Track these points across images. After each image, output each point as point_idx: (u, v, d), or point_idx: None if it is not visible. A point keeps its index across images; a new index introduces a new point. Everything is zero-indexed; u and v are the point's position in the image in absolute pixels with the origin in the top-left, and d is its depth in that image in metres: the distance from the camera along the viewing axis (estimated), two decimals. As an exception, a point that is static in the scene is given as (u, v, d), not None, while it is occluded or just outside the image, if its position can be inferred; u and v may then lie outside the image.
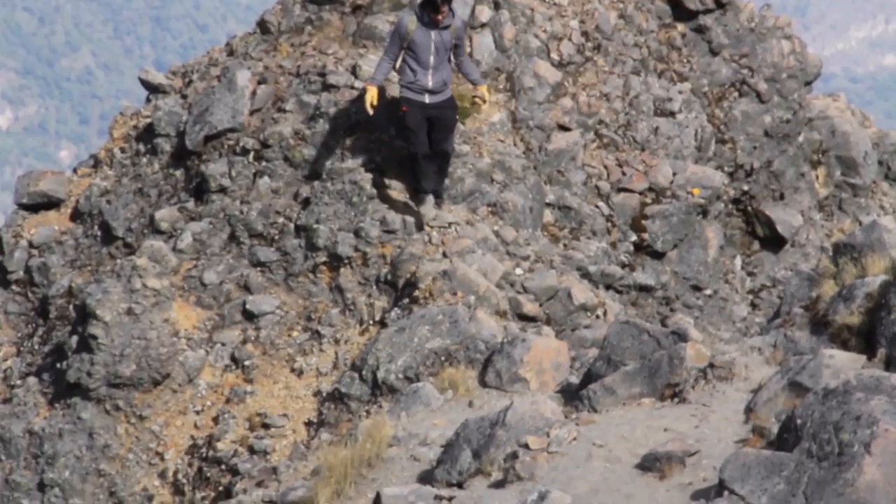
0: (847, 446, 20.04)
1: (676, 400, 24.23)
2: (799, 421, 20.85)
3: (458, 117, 27.63)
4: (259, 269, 28.16)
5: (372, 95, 26.58)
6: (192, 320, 28.28)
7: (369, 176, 27.76)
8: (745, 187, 32.71)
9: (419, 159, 26.93)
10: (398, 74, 26.87)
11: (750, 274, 31.89)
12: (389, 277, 27.31)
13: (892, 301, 21.89)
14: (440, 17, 26.40)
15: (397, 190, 27.87)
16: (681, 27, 33.11)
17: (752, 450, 21.29)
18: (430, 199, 27.04)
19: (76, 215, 30.60)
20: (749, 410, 23.37)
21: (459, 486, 23.50)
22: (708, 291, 30.25)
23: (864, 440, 19.96)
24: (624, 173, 30.26)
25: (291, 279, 27.84)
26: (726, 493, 20.73)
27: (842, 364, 22.72)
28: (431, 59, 26.87)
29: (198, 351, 27.57)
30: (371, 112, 26.67)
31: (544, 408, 23.99)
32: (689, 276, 29.92)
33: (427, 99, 26.94)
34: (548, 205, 29.47)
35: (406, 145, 27.16)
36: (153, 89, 31.37)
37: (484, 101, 27.83)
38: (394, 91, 27.11)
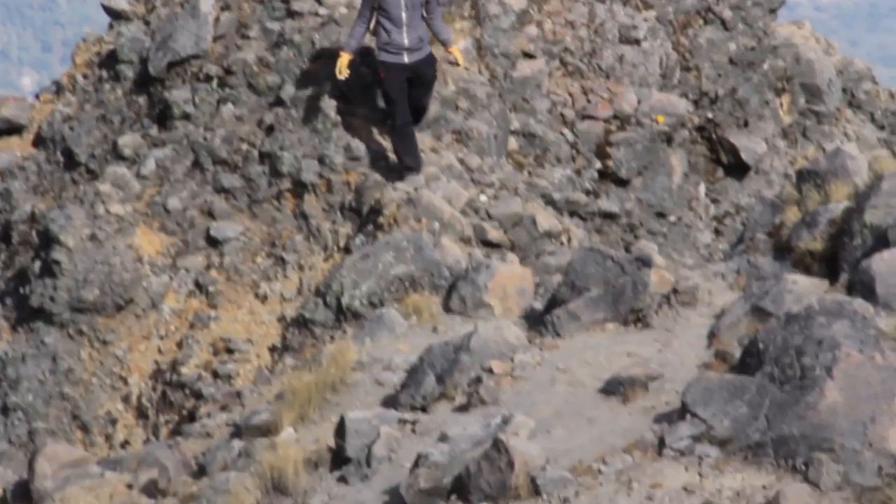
0: (809, 370, 20.13)
1: (640, 325, 24.29)
2: (761, 345, 20.92)
3: (436, 74, 27.28)
4: (223, 195, 28.08)
5: (342, 62, 26.19)
6: (155, 246, 28.19)
7: (333, 103, 27.64)
8: (710, 115, 32.66)
9: (403, 132, 26.36)
10: (374, 37, 26.49)
11: (714, 201, 31.92)
12: (354, 204, 27.26)
13: (855, 227, 21.97)
14: None
15: (362, 118, 27.75)
16: (646, -46, 32.94)
17: (715, 374, 21.36)
18: (414, 176, 26.52)
19: (38, 141, 30.44)
20: (712, 335, 23.45)
21: (423, 410, 23.56)
22: (672, 218, 30.30)
23: (826, 364, 20.05)
24: (589, 101, 30.18)
25: (255, 206, 27.79)
26: (689, 416, 20.81)
27: (804, 289, 22.82)
28: (403, 15, 26.37)
29: (161, 276, 27.52)
30: (341, 77, 26.30)
31: (508, 333, 24.02)
32: (653, 203, 29.94)
33: (406, 58, 26.54)
34: (512, 132, 29.41)
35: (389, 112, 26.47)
36: (116, 16, 31.11)
37: (458, 64, 27.53)
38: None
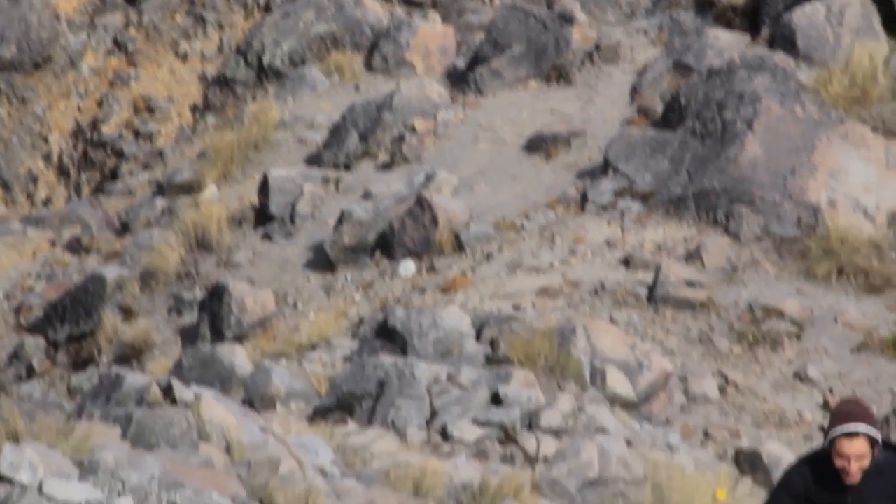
0: (730, 124, 20.12)
1: (562, 82, 24.19)
2: (683, 100, 20.88)
3: None
4: (140, -49, 27.28)
5: None
6: (72, 3, 27.51)
7: None
8: None
9: None
10: None
11: (636, -43, 31.31)
12: (274, -40, 26.56)
13: (778, -20, 21.51)
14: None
15: None
16: None
17: (637, 129, 21.34)
18: None
19: None
20: (634, 91, 23.38)
21: (346, 168, 23.46)
22: (594, -26, 29.68)
23: (747, 118, 20.05)
24: None
25: (174, -38, 27.00)
26: (611, 171, 20.81)
27: (726, 44, 22.71)
28: None
29: (79, 35, 26.83)
30: None
31: (430, 91, 23.85)
32: (575, -41, 29.30)
33: None
34: None
35: None
36: None
37: None
38: None
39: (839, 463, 8.00)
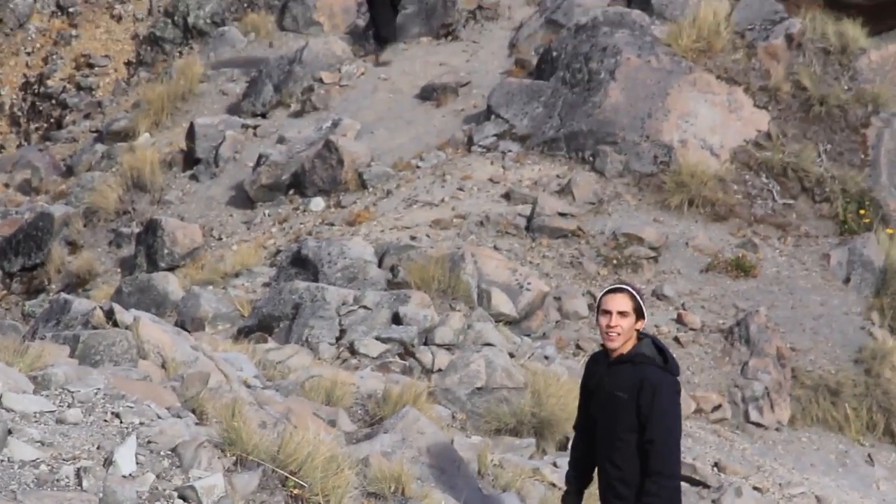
0: (595, 74, 20.15)
1: (450, 38, 24.09)
2: (555, 53, 20.88)
3: None
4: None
5: None
6: (18, -28, 26.95)
7: None
8: None
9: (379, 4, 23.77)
10: None
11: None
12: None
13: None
14: None
15: None
16: None
17: (515, 79, 21.31)
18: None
19: None
20: (512, 46, 23.33)
21: (263, 116, 23.27)
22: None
23: (610, 68, 20.09)
24: None
25: (107, -66, 26.48)
26: (493, 117, 20.79)
27: (591, 3, 22.69)
28: None
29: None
30: None
31: (336, 47, 23.66)
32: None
33: None
34: None
35: None
36: None
37: None
38: None
39: (603, 321, 7.84)
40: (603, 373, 7.97)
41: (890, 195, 18.63)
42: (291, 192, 19.82)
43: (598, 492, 8.12)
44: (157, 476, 7.18)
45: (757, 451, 14.46)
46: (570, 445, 8.47)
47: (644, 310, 7.85)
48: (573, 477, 8.30)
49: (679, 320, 16.10)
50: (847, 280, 17.37)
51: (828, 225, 18.29)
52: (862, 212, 18.32)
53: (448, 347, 13.11)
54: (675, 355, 8.16)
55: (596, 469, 8.09)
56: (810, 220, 18.37)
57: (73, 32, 27.78)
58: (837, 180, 18.58)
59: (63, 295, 11.30)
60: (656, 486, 7.68)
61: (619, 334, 7.83)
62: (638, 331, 7.91)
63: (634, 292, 7.87)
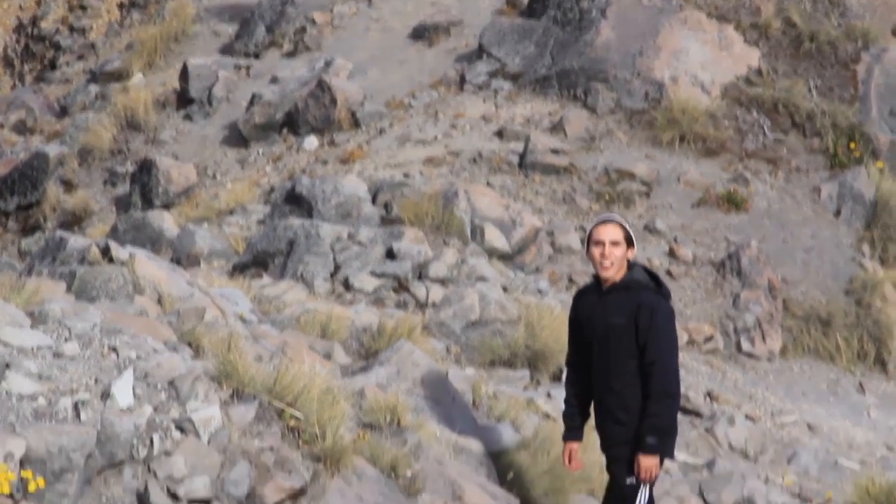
0: (586, 13, 20.06)
1: (442, -23, 23.99)
2: (547, -8, 20.78)
3: None
4: None
5: None
6: (10, -86, 26.71)
7: None
8: None
9: None
10: None
11: None
12: None
13: None
14: None
15: None
16: None
17: (507, 19, 21.21)
18: None
19: None
20: (504, -15, 23.22)
21: (255, 56, 23.17)
22: None
23: (601, 6, 19.99)
24: None
25: None
26: (485, 56, 20.71)
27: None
28: None
29: (17, -58, 26.08)
30: None
31: (328, -13, 23.53)
32: None
33: None
34: None
35: None
36: None
37: None
38: None
39: (595, 252, 7.84)
40: (595, 303, 7.96)
41: (880, 129, 18.61)
42: (285, 131, 19.77)
43: (595, 425, 8.15)
44: (155, 409, 7.16)
45: (749, 381, 14.50)
46: (564, 382, 8.46)
47: (634, 238, 7.89)
48: (573, 413, 8.29)
49: (671, 254, 16.10)
50: (837, 213, 17.38)
51: (818, 159, 18.28)
52: (852, 145, 18.31)
53: (442, 282, 13.09)
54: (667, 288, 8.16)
55: (593, 402, 8.09)
56: (801, 154, 18.36)
57: (66, -26, 27.60)
58: (828, 115, 18.56)
59: (59, 232, 11.25)
60: (659, 405, 7.71)
61: (612, 263, 7.84)
62: (628, 260, 7.93)
63: (623, 222, 7.92)
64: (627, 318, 7.77)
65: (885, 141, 18.49)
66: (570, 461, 8.27)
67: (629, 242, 7.87)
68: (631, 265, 7.94)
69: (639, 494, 7.82)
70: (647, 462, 7.77)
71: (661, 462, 7.89)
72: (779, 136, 18.43)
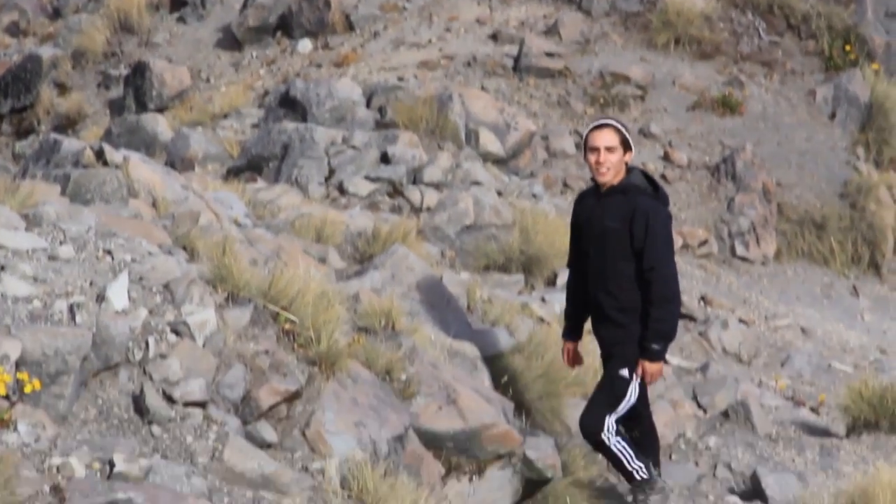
0: (583, -85, 19.86)
1: None
2: None
3: None
4: None
5: None
6: None
7: None
8: None
9: None
10: None
11: None
12: None
13: None
14: None
15: None
16: None
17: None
18: None
19: None
20: None
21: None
22: None
23: None
24: None
25: None
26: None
27: None
28: None
29: None
30: None
31: None
32: None
33: None
34: None
35: None
36: None
37: None
38: None
39: (591, 158, 7.86)
40: (594, 206, 8.00)
41: (875, 31, 18.51)
42: (278, 34, 19.64)
43: (591, 327, 8.21)
44: (150, 312, 7.15)
45: (743, 285, 14.54)
46: (565, 283, 8.53)
47: (630, 142, 7.87)
48: (570, 313, 8.37)
49: (666, 157, 16.10)
50: (832, 116, 17.36)
51: (813, 61, 18.22)
52: (847, 48, 18.25)
53: (436, 186, 13.07)
54: (662, 191, 8.17)
55: (591, 304, 8.16)
56: (796, 56, 18.29)
57: None
58: (823, 17, 18.47)
59: (53, 135, 11.19)
60: (661, 310, 7.80)
61: (608, 168, 7.86)
62: (627, 163, 7.91)
63: (620, 125, 7.89)
64: (622, 221, 7.81)
65: (880, 43, 18.41)
66: (568, 360, 8.34)
67: (626, 146, 7.86)
68: (629, 169, 7.93)
69: (629, 389, 7.91)
70: (651, 368, 7.90)
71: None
72: (774, 38, 18.35)
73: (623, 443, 8.00)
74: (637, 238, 7.77)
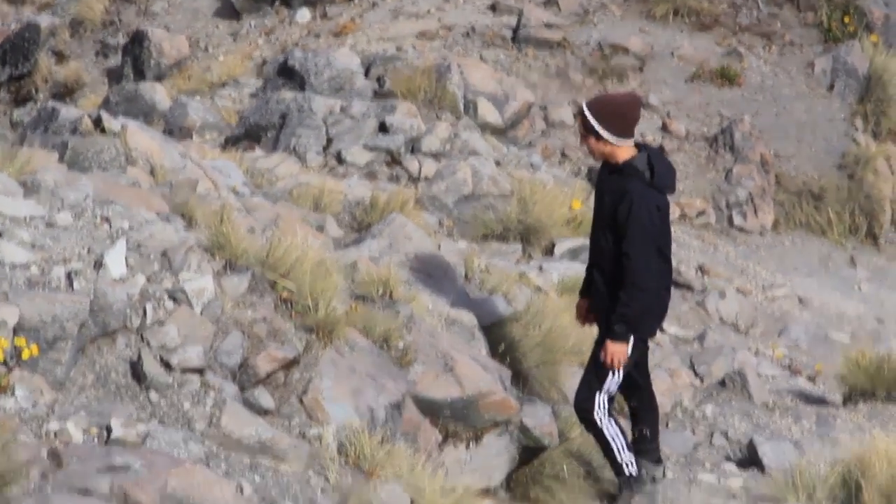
0: None
1: None
2: None
3: None
4: None
5: None
6: None
7: None
8: None
9: None
10: None
11: None
12: None
13: None
14: None
15: None
16: None
17: None
18: None
19: None
20: None
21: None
22: None
23: None
24: None
25: None
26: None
27: None
28: None
29: None
30: None
31: None
32: None
33: None
34: None
35: None
36: None
37: None
38: None
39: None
40: (604, 179, 8.18)
41: (874, 3, 18.47)
42: (277, 3, 19.57)
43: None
44: (148, 279, 7.15)
45: (740, 255, 14.57)
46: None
47: (596, 127, 7.85)
48: (585, 279, 8.52)
49: (664, 128, 16.11)
50: (831, 87, 17.35)
51: (812, 33, 18.20)
52: (846, 19, 18.21)
53: (435, 156, 13.07)
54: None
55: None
56: (795, 28, 18.26)
57: None
58: (822, -11, 18.46)
59: (51, 103, 11.17)
60: (628, 295, 7.91)
61: (591, 151, 8.11)
62: (613, 144, 7.90)
63: (587, 112, 7.90)
64: (613, 202, 7.94)
65: (879, 15, 18.37)
66: (580, 316, 8.51)
67: (592, 132, 7.90)
68: (640, 147, 7.99)
69: (607, 379, 7.96)
70: (612, 347, 8.00)
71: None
72: (773, 9, 18.32)
73: (616, 429, 8.06)
74: (620, 221, 7.89)
